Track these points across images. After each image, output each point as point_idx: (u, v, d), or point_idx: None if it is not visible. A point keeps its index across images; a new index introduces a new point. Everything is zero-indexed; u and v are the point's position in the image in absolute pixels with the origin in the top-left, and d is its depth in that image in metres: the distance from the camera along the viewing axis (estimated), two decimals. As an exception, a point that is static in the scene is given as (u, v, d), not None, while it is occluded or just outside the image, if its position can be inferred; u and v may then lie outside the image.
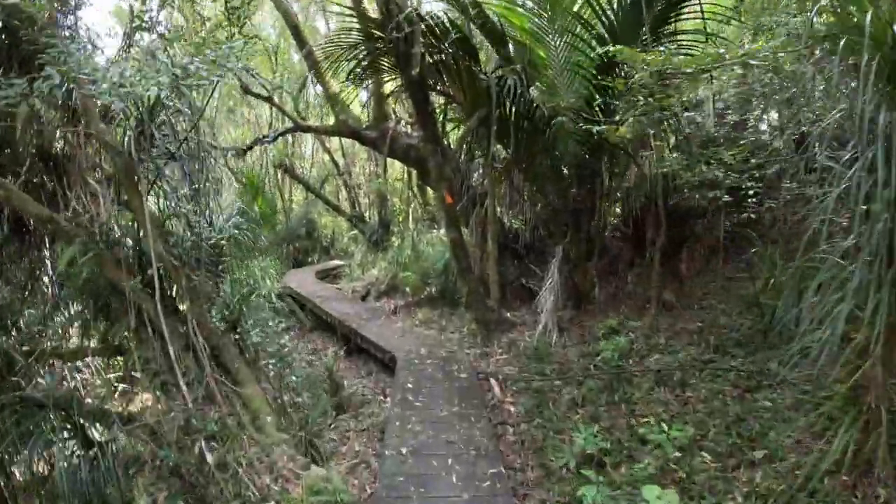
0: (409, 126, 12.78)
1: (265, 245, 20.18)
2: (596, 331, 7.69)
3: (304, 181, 19.85)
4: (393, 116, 12.52)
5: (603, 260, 9.40)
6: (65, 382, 6.77)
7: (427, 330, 10.06)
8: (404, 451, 5.24)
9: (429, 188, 14.62)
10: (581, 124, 7.73)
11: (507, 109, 8.42)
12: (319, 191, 20.83)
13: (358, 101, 19.28)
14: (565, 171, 8.99)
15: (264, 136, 13.58)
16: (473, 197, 10.69)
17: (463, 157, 10.43)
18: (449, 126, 11.29)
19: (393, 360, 8.26)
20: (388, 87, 11.58)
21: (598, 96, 7.70)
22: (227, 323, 6.57)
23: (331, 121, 14.47)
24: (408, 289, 13.48)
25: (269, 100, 13.50)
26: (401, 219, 18.56)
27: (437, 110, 9.93)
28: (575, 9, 7.98)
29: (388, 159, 15.25)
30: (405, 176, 17.95)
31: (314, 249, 21.05)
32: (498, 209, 10.25)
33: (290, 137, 19.80)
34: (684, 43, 7.99)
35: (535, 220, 10.52)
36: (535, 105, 8.21)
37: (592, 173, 8.76)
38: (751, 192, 6.88)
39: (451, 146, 10.56)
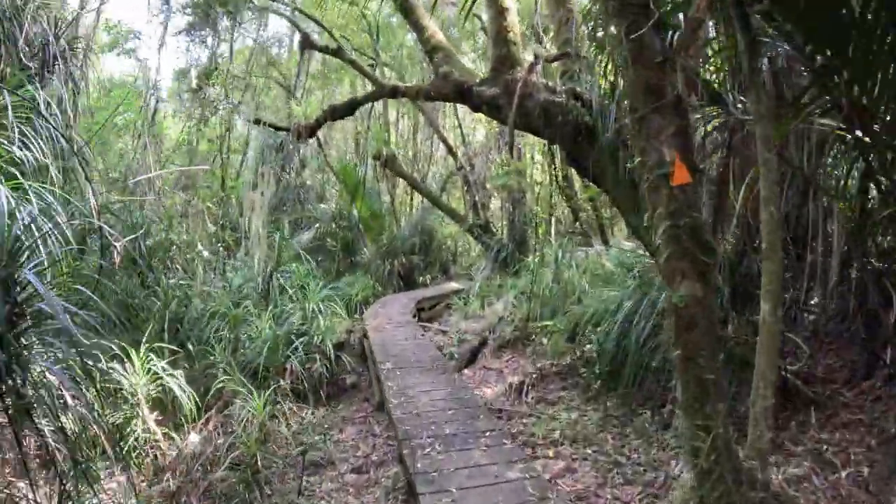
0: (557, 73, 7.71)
1: (363, 260, 16.11)
2: None
3: (407, 176, 15.32)
4: (524, 60, 7.46)
5: None
6: None
7: (580, 464, 4.87)
8: None
9: (584, 180, 9.49)
10: None
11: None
12: (428, 189, 16.21)
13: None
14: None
15: (332, 108, 9.17)
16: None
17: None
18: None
19: None
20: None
21: None
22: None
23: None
24: (545, 343, 8.39)
25: (336, 53, 9.08)
26: (541, 230, 13.49)
27: None
28: None
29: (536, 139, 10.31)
30: (549, 164, 12.82)
31: (430, 267, 16.53)
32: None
33: (398, 121, 15.54)
34: None
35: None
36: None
37: None
38: None
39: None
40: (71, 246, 6.54)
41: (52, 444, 5.64)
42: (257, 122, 10.85)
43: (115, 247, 5.09)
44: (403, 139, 20.95)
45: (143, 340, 6.35)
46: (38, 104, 4.75)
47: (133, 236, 8.95)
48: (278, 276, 10.77)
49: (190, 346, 8.34)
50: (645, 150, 2.78)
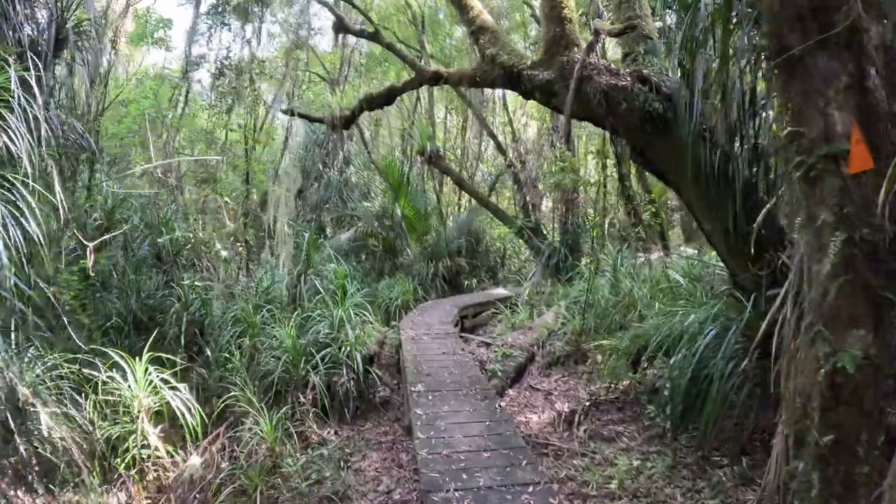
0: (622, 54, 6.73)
1: (406, 261, 15.30)
2: None
3: (453, 174, 14.38)
4: (580, 40, 6.48)
5: None
6: None
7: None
8: None
9: (642, 181, 8.41)
10: None
11: None
12: (476, 188, 15.26)
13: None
14: None
15: (369, 96, 8.40)
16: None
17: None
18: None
19: None
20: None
21: None
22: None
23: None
24: (601, 363, 7.40)
25: (373, 37, 8.28)
26: (594, 233, 12.37)
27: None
28: None
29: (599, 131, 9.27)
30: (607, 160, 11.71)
31: (476, 270, 15.60)
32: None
33: (445, 117, 14.67)
34: None
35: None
36: None
37: None
38: None
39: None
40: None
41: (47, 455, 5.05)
42: (290, 112, 10.19)
43: (89, 247, 4.39)
44: (452, 136, 20.10)
45: (146, 348, 5.70)
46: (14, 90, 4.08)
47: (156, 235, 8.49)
48: (312, 277, 10.09)
49: (208, 352, 7.73)
50: (799, 113, 1.79)
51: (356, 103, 8.81)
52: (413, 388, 6.14)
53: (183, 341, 7.45)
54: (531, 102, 16.35)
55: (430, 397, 5.88)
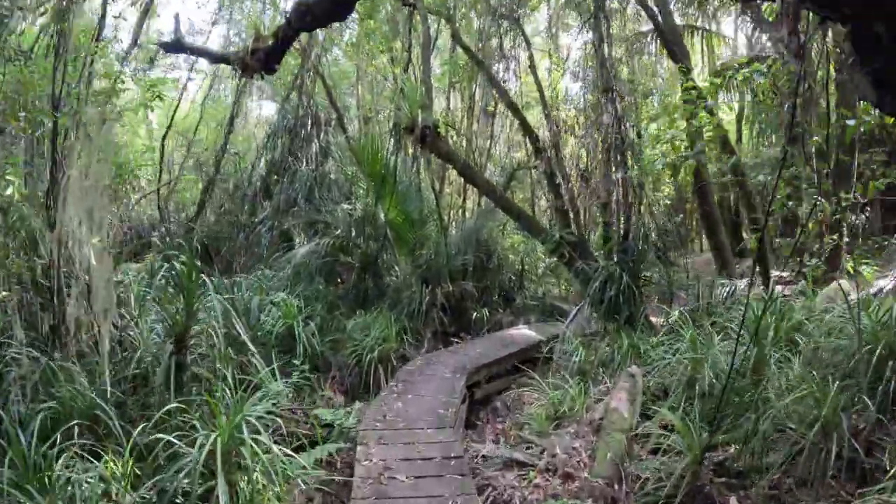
0: None
1: (392, 285, 10.89)
2: None
3: (457, 160, 10.05)
4: None
5: None
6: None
7: None
8: None
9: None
10: None
11: None
12: (490, 181, 11.04)
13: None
14: None
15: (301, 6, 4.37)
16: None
17: None
18: None
19: None
20: None
21: None
22: None
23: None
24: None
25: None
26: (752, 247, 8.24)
27: None
28: None
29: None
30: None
31: (486, 295, 11.58)
32: None
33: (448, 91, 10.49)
34: None
35: None
36: None
37: None
38: None
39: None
40: None
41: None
42: (177, 46, 6.21)
43: None
44: (459, 114, 15.88)
45: None
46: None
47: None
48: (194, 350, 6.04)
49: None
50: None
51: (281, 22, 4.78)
52: None
53: None
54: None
55: None
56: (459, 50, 12.44)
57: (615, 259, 7.95)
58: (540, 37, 17.16)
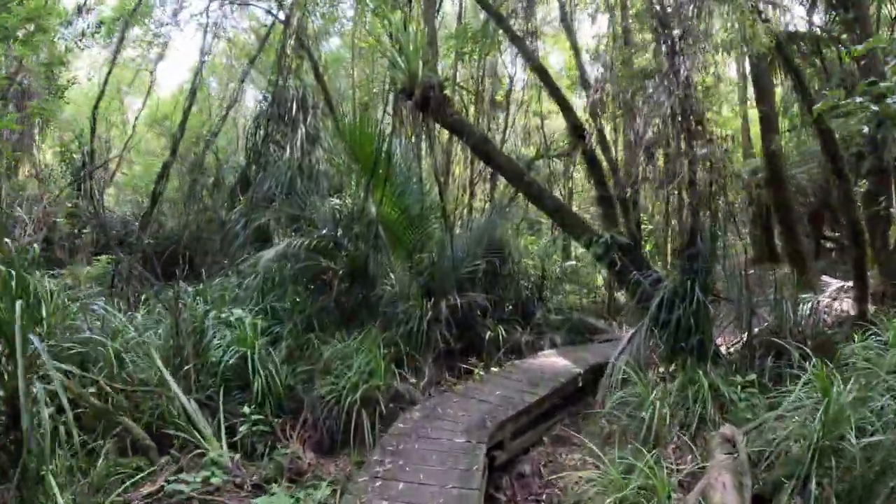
0: None
1: (385, 296, 8.35)
2: None
3: (466, 129, 7.72)
4: None
5: None
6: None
7: None
8: None
9: None
10: None
11: None
12: (514, 161, 8.80)
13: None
14: None
15: None
16: None
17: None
18: None
19: None
20: None
21: None
22: None
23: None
24: None
25: None
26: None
27: None
28: None
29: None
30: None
31: (498, 311, 9.55)
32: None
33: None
34: None
35: None
36: None
37: None
38: None
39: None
40: None
41: None
42: None
43: None
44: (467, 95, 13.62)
45: None
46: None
47: None
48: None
49: None
50: None
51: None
52: None
53: None
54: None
55: None
56: (469, 13, 10.34)
57: (681, 267, 5.92)
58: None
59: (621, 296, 14.30)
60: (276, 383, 6.24)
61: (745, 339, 6.57)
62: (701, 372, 5.36)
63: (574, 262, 14.51)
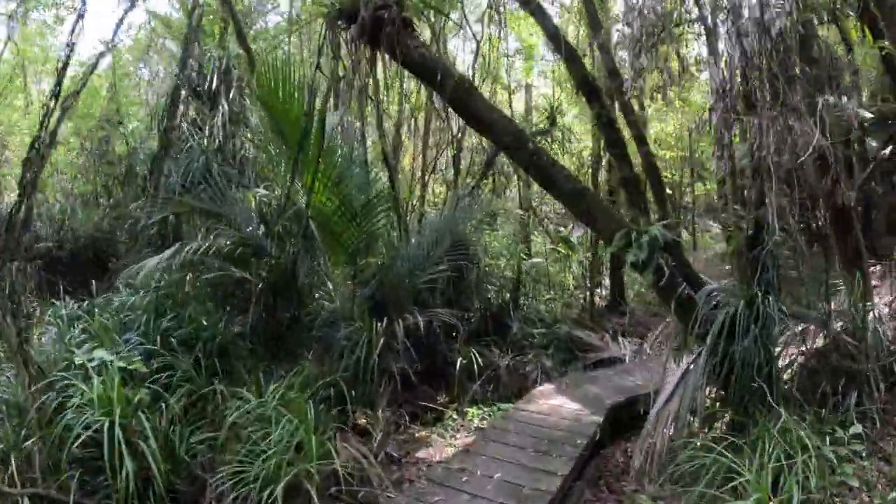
0: None
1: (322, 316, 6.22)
2: None
3: (439, 69, 5.50)
4: None
5: None
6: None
7: None
8: None
9: None
10: None
11: None
12: (506, 117, 6.76)
13: None
14: None
15: None
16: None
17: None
18: None
19: None
20: None
21: None
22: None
23: None
24: None
25: None
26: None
27: None
28: None
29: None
30: None
31: (465, 326, 7.60)
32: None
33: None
34: None
35: None
36: None
37: None
38: None
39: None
40: None
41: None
42: None
43: None
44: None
45: None
46: None
47: None
48: None
49: None
50: None
51: None
52: None
53: None
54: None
55: None
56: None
57: (748, 276, 4.12)
58: None
59: (599, 299, 12.61)
60: (158, 461, 4.12)
61: (805, 361, 4.85)
62: (793, 427, 3.58)
63: (540, 261, 12.66)
